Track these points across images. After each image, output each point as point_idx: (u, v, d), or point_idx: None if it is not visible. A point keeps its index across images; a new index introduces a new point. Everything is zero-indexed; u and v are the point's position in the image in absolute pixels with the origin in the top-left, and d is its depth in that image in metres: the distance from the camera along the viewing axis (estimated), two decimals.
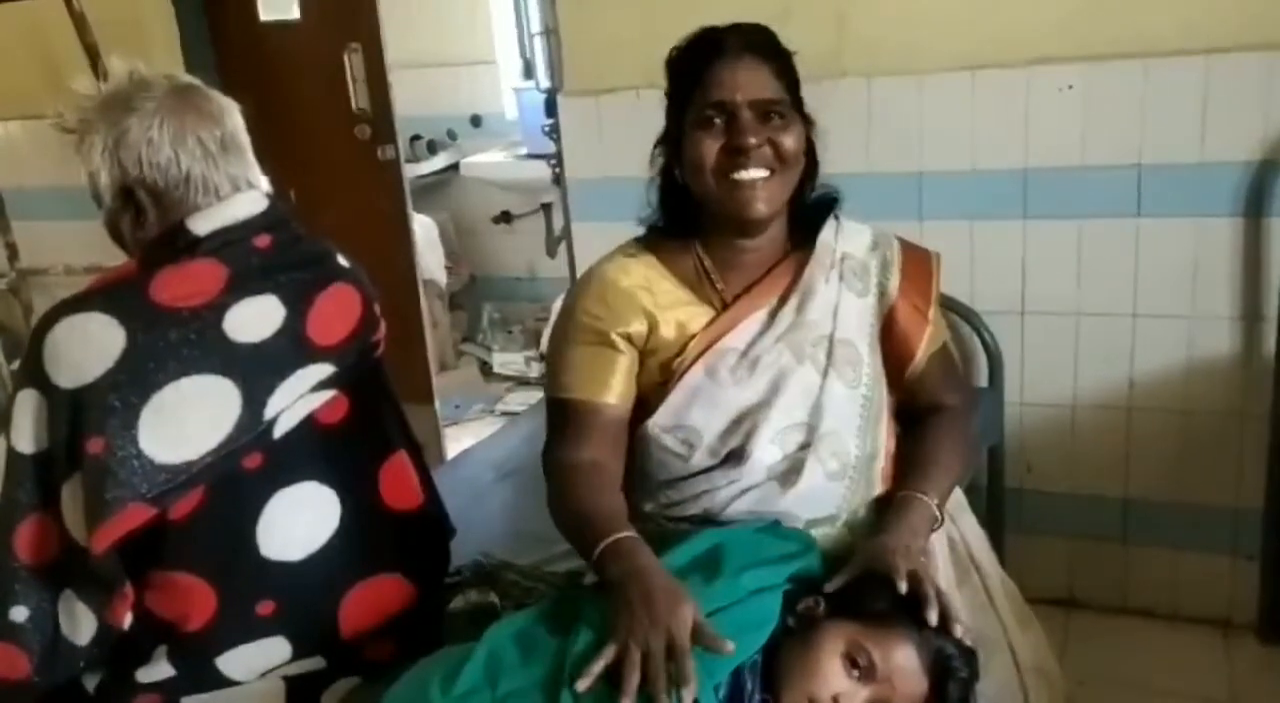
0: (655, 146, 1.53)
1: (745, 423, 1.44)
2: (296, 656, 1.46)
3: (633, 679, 1.16)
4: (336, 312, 1.50)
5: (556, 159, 3.02)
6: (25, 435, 1.36)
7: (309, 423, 1.47)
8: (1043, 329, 2.46)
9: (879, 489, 1.50)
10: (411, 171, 3.85)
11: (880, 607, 1.27)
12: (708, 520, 1.45)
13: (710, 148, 1.42)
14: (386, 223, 3.50)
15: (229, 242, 1.42)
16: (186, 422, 1.36)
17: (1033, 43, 2.31)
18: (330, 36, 3.39)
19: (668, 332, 1.48)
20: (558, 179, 3.09)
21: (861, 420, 1.48)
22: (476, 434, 3.45)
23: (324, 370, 1.47)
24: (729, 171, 1.42)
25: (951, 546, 1.57)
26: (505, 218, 4.69)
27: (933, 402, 1.58)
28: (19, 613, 1.37)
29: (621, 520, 1.38)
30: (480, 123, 4.69)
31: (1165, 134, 2.26)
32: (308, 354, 1.45)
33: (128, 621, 1.40)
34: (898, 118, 2.45)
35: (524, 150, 4.38)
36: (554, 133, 2.94)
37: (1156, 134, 2.26)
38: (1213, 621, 2.47)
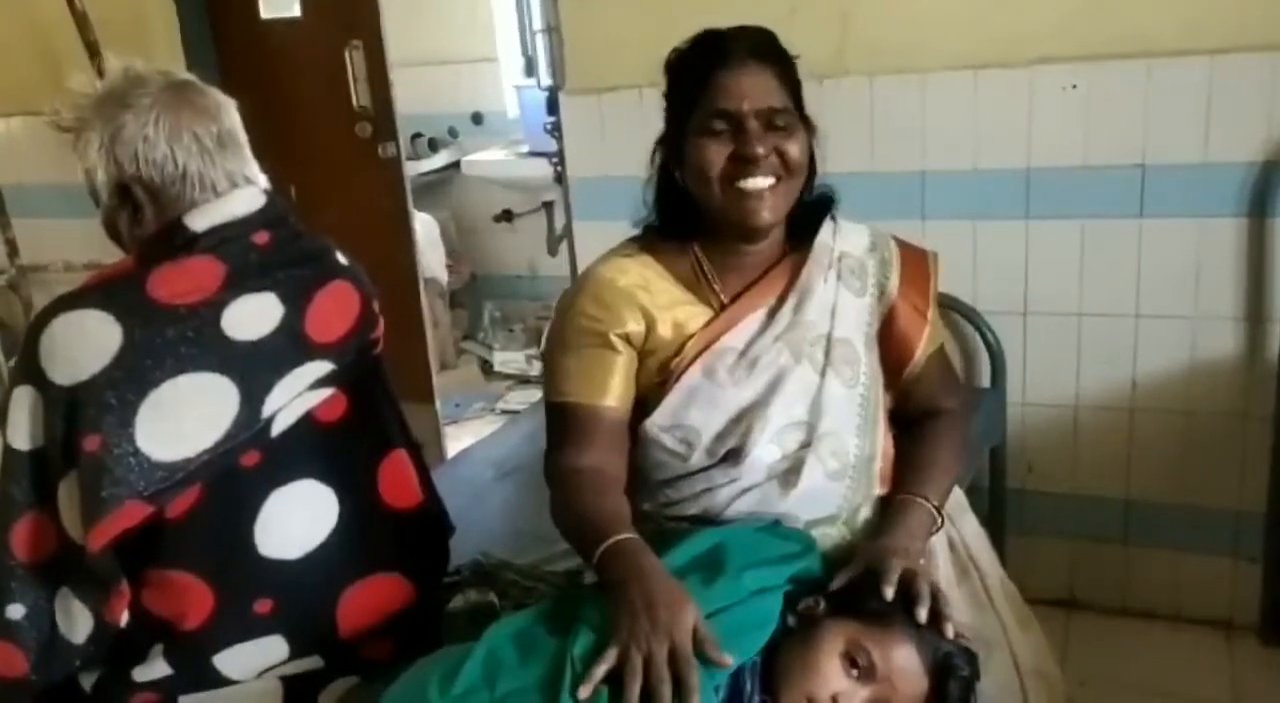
0: (654, 148, 1.52)
1: (743, 422, 1.44)
2: (294, 655, 1.46)
3: (634, 686, 1.15)
4: (335, 309, 1.49)
5: (558, 157, 3.02)
6: (21, 433, 1.35)
7: (307, 421, 1.47)
8: (1045, 329, 2.46)
9: (879, 490, 1.50)
10: (413, 169, 3.84)
11: (880, 606, 1.26)
12: (708, 520, 1.45)
13: (717, 156, 1.41)
14: (387, 221, 3.49)
15: (227, 238, 1.42)
16: (184, 419, 1.35)
17: (1036, 42, 2.31)
18: (331, 34, 3.39)
19: (665, 331, 1.47)
20: (559, 177, 3.09)
21: (860, 420, 1.48)
22: (477, 433, 3.45)
23: (322, 368, 1.46)
24: (735, 180, 1.41)
25: (951, 546, 1.57)
26: (506, 216, 4.69)
27: (930, 405, 1.58)
28: (15, 611, 1.37)
29: (623, 522, 1.37)
30: (482, 121, 4.69)
31: (1168, 134, 2.25)
32: (306, 352, 1.44)
33: (124, 619, 1.39)
34: (900, 117, 2.45)
35: (525, 148, 4.37)
36: (556, 131, 2.94)
37: (1160, 134, 2.26)
38: (1214, 622, 2.46)
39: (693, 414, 1.45)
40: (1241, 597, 2.43)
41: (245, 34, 3.49)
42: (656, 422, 1.46)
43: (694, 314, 1.48)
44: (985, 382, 2.52)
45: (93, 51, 3.12)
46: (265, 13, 3.45)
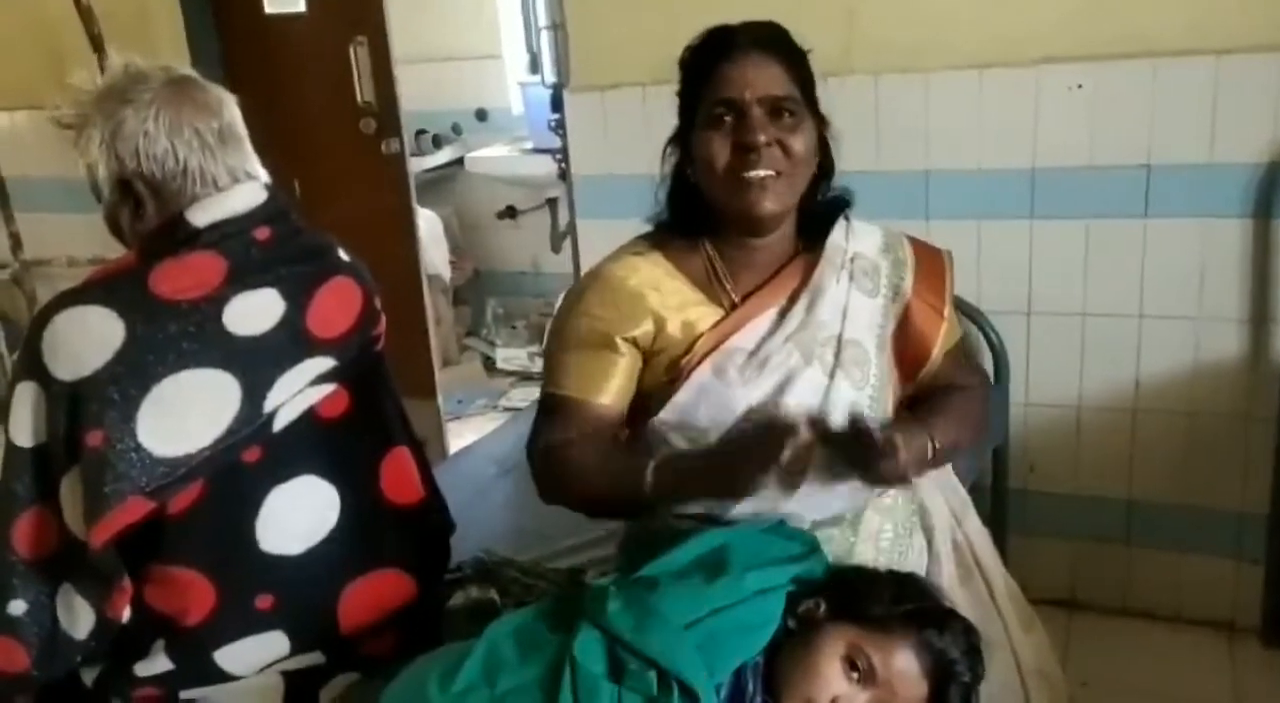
0: (667, 145, 1.52)
1: (750, 422, 1.43)
2: (295, 650, 1.46)
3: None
4: (337, 305, 1.49)
5: (562, 154, 3.01)
6: (23, 428, 1.35)
7: (309, 417, 1.47)
8: (1048, 329, 2.45)
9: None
10: (416, 166, 3.84)
11: (881, 611, 1.26)
12: (712, 519, 1.44)
13: (720, 146, 1.41)
14: (391, 217, 3.49)
15: (228, 234, 1.42)
16: (186, 415, 1.35)
17: (1041, 42, 2.30)
18: (336, 29, 3.39)
19: (674, 330, 1.47)
20: (563, 174, 3.08)
21: None
22: (479, 430, 3.46)
23: (324, 364, 1.46)
24: (738, 170, 1.41)
25: (955, 546, 1.57)
26: (510, 213, 4.69)
27: (948, 385, 1.56)
28: (17, 606, 1.37)
29: (643, 453, 1.41)
30: (486, 117, 4.69)
31: (1174, 135, 2.25)
32: (308, 347, 1.44)
33: (126, 614, 1.39)
34: (905, 116, 2.44)
35: (529, 145, 4.37)
36: (560, 128, 2.93)
37: (1165, 134, 2.25)
38: (1216, 623, 2.46)
39: (701, 413, 1.44)
40: (1244, 598, 2.43)
41: (250, 29, 3.49)
42: (664, 419, 1.46)
43: (704, 314, 1.48)
44: None
45: (97, 46, 3.12)
46: (270, 8, 3.44)
